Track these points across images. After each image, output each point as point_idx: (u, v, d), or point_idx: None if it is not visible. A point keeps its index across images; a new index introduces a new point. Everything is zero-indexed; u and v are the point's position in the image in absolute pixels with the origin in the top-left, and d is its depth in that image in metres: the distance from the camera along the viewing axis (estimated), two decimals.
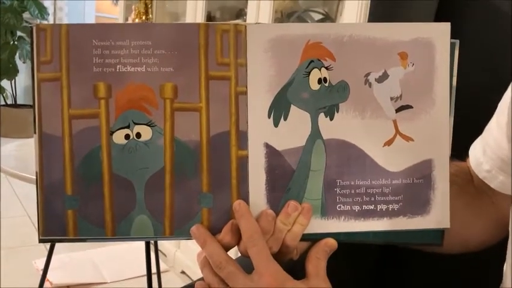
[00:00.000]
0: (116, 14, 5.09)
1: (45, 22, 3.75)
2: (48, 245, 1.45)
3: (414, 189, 0.50)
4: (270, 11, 1.34)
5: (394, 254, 0.68)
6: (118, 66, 0.47)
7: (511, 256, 0.53)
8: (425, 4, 0.73)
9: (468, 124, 0.56)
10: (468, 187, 0.59)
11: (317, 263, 0.48)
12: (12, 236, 2.13)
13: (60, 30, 0.46)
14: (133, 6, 2.22)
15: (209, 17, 1.81)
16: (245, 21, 1.65)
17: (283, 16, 1.47)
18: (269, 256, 0.47)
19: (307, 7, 1.48)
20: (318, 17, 1.45)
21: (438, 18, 0.71)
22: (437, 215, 0.50)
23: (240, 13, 1.80)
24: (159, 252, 1.65)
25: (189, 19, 1.79)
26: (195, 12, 1.76)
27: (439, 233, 0.51)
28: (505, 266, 0.54)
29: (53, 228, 0.48)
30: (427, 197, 0.50)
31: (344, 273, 0.55)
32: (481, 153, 0.56)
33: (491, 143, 0.54)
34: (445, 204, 0.50)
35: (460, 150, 0.58)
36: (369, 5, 0.97)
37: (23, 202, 2.46)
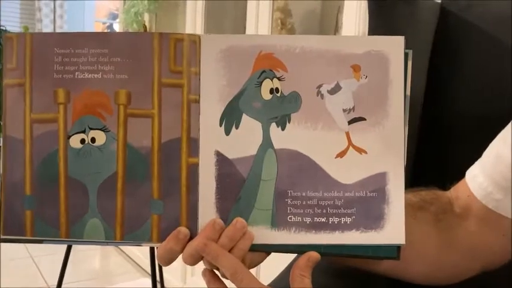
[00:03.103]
0: None
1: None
2: None
3: (367, 203, 0.49)
4: None
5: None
6: (77, 73, 0.48)
7: None
8: (421, 39, 0.74)
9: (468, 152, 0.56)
10: (445, 215, 0.58)
11: (301, 281, 0.47)
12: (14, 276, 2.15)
13: (25, 39, 0.49)
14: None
15: None
16: None
17: None
18: (259, 283, 0.46)
19: None
20: None
21: (435, 50, 0.72)
22: (392, 230, 0.49)
23: None
24: None
25: None
26: None
27: (395, 248, 0.49)
28: None
29: (13, 228, 0.49)
30: (381, 211, 0.49)
31: None
32: (487, 182, 0.54)
33: (505, 171, 0.53)
34: (400, 219, 0.49)
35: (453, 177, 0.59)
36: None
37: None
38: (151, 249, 1.42)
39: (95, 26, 5.06)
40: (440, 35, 0.71)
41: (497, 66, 0.66)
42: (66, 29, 4.67)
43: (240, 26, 1.65)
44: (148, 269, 2.29)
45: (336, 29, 1.33)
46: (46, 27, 4.52)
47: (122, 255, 2.55)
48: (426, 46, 0.70)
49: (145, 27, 2.01)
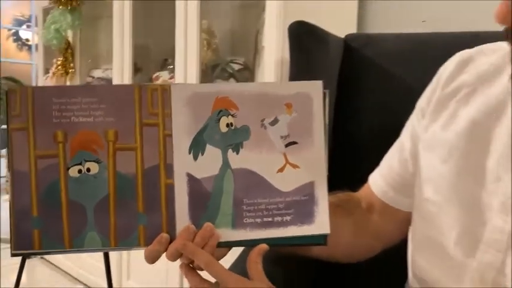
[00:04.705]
0: (21, 58, 5.10)
1: None
2: None
3: (302, 205, 0.64)
4: (197, 63, 1.49)
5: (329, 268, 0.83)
6: (72, 117, 0.60)
7: (410, 262, 0.70)
8: (330, 71, 0.93)
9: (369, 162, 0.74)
10: (356, 210, 0.77)
11: (256, 267, 0.61)
12: None
13: (27, 91, 0.59)
14: (54, 60, 2.25)
15: (135, 67, 1.89)
16: (168, 70, 1.80)
17: (207, 68, 1.63)
18: (227, 271, 0.60)
19: (229, 58, 1.66)
20: (238, 67, 1.64)
21: (341, 80, 0.90)
22: (320, 224, 0.64)
23: (164, 63, 1.90)
24: None
25: (116, 68, 1.89)
26: (122, 64, 1.85)
27: (323, 236, 0.65)
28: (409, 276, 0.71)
29: (23, 244, 0.60)
30: (311, 210, 0.64)
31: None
32: (384, 184, 0.74)
33: (395, 176, 0.73)
34: (325, 215, 0.64)
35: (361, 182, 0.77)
36: (278, 58, 1.16)
37: None
38: (106, 258, 1.51)
39: (1, 32, 4.87)
40: (346, 67, 0.90)
41: (389, 94, 0.86)
42: None
43: (168, 47, 1.75)
44: (80, 277, 2.35)
45: (255, 50, 1.49)
46: None
47: (48, 266, 2.57)
48: (334, 78, 0.88)
49: (69, 42, 2.06)
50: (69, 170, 0.60)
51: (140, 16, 1.82)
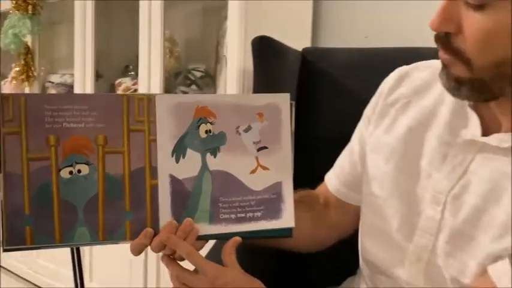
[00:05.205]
0: None
1: None
2: None
3: (271, 202, 0.72)
4: (160, 71, 1.54)
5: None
6: (64, 123, 0.65)
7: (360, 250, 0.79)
8: (288, 86, 1.02)
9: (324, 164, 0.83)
10: (315, 205, 0.87)
11: (230, 256, 0.69)
12: None
13: (19, 98, 0.64)
14: (12, 65, 2.22)
15: (97, 73, 1.89)
16: (130, 76, 1.84)
17: (170, 75, 1.69)
18: (205, 260, 0.68)
19: (190, 66, 1.73)
20: (199, 74, 1.71)
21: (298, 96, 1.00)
22: (286, 219, 0.73)
23: (126, 70, 1.92)
24: None
25: (77, 74, 1.89)
26: (83, 69, 1.86)
27: (289, 229, 0.74)
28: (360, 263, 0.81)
29: (15, 240, 0.65)
30: (279, 207, 0.73)
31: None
32: (337, 182, 0.84)
33: (346, 175, 0.83)
34: (291, 211, 0.73)
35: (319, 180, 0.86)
36: (239, 67, 1.24)
37: None
38: (78, 261, 1.53)
39: None
40: (304, 78, 1.00)
41: (341, 102, 0.96)
42: None
43: (128, 53, 1.78)
44: (32, 279, 2.33)
45: (216, 58, 1.57)
46: None
47: (5, 273, 2.53)
48: (293, 88, 0.98)
49: (28, 47, 2.06)
50: (61, 172, 0.66)
51: (100, 22, 1.84)
